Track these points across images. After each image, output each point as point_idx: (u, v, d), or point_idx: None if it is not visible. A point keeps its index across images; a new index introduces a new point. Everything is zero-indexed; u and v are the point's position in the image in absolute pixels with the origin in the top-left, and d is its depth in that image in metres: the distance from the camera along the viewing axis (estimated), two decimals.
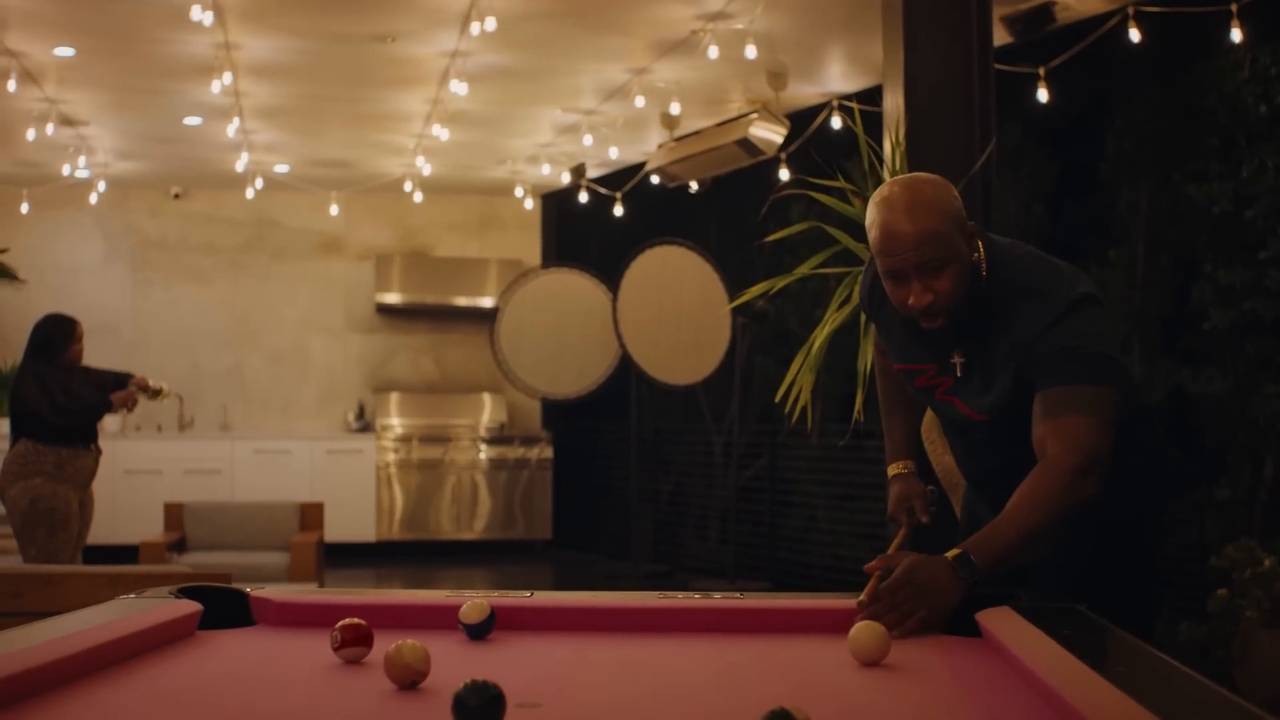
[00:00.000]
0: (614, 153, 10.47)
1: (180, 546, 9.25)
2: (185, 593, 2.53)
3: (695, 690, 2.06)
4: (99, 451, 7.49)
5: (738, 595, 2.62)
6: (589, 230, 12.98)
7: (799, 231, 5.14)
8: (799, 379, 4.66)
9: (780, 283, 4.89)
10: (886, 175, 4.88)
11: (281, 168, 11.69)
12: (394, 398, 13.00)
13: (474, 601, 2.39)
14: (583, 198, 11.25)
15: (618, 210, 11.03)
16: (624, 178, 11.05)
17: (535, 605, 2.50)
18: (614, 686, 2.07)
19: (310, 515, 9.49)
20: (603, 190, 11.14)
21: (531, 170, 11.74)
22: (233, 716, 1.81)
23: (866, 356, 4.47)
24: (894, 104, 5.13)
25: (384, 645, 2.08)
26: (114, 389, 7.47)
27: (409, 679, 1.96)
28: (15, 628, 2.15)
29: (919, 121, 4.92)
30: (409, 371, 13.32)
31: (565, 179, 11.29)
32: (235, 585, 2.65)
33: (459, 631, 2.39)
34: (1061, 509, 2.63)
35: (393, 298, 12.97)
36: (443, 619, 2.43)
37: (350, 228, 13.11)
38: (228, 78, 8.41)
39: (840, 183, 4.79)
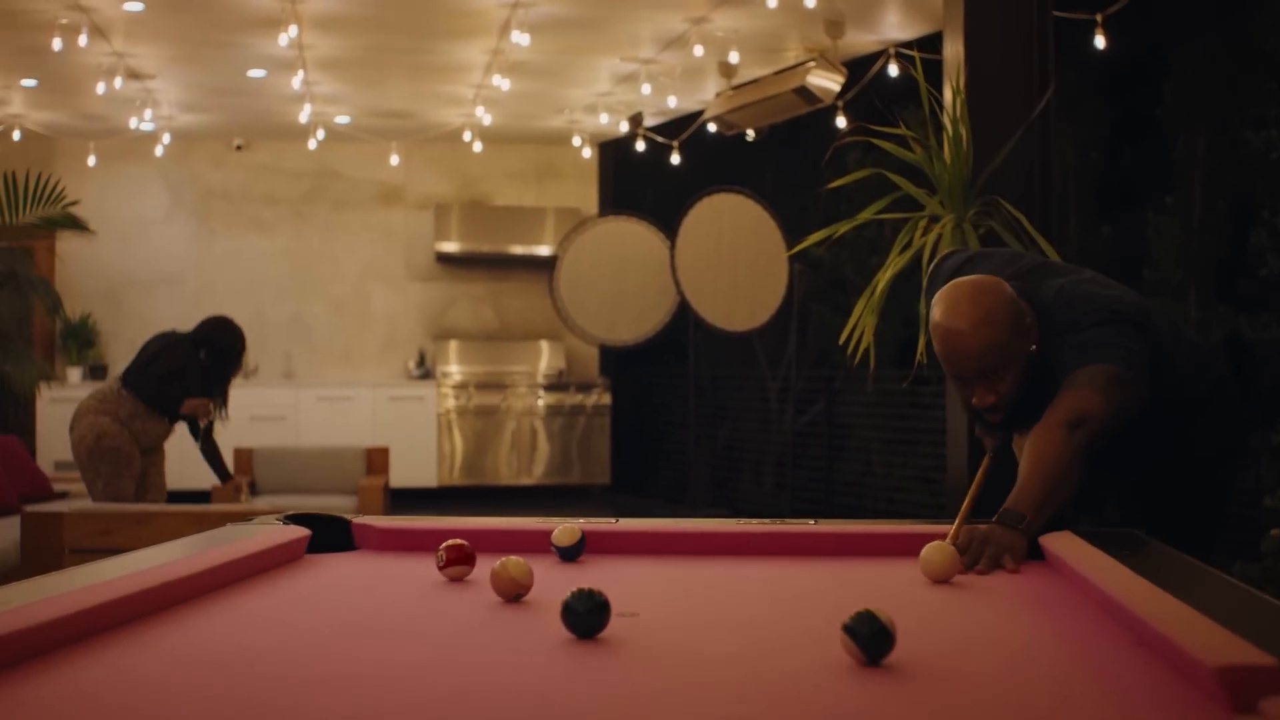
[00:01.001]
0: (672, 101, 10.56)
1: (250, 491, 9.46)
2: (292, 520, 2.69)
3: (778, 602, 2.20)
4: (171, 428, 7.68)
5: (811, 522, 2.76)
6: (646, 179, 13.08)
7: (857, 179, 5.23)
8: (861, 321, 4.78)
9: (842, 228, 5.00)
10: (946, 122, 4.97)
11: (342, 119, 11.84)
12: (454, 345, 13.18)
13: (566, 526, 2.53)
14: (640, 146, 11.34)
15: (675, 159, 11.13)
16: (681, 126, 11.13)
17: (622, 530, 2.65)
18: (701, 601, 2.21)
19: (376, 460, 9.69)
20: (660, 139, 11.24)
21: (589, 120, 11.84)
22: (355, 624, 1.96)
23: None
24: (954, 52, 5.21)
25: (483, 567, 2.24)
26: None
27: (514, 592, 2.11)
28: (148, 547, 2.31)
29: (979, 69, 5.00)
30: (469, 319, 13.49)
31: (623, 128, 11.39)
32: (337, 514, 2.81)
33: (551, 555, 2.54)
34: (1063, 459, 2.77)
35: (451, 247, 13.12)
36: (536, 543, 2.58)
37: (410, 177, 13.27)
38: (293, 31, 8.55)
39: (901, 129, 4.88)
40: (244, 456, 9.65)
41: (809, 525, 2.73)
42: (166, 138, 11.76)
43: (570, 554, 2.52)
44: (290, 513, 2.74)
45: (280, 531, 2.55)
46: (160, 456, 7.67)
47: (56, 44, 8.23)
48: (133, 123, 11.28)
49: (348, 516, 2.76)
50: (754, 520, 2.77)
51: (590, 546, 2.56)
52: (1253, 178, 9.23)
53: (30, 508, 6.88)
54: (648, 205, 12.72)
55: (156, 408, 7.37)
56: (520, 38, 8.52)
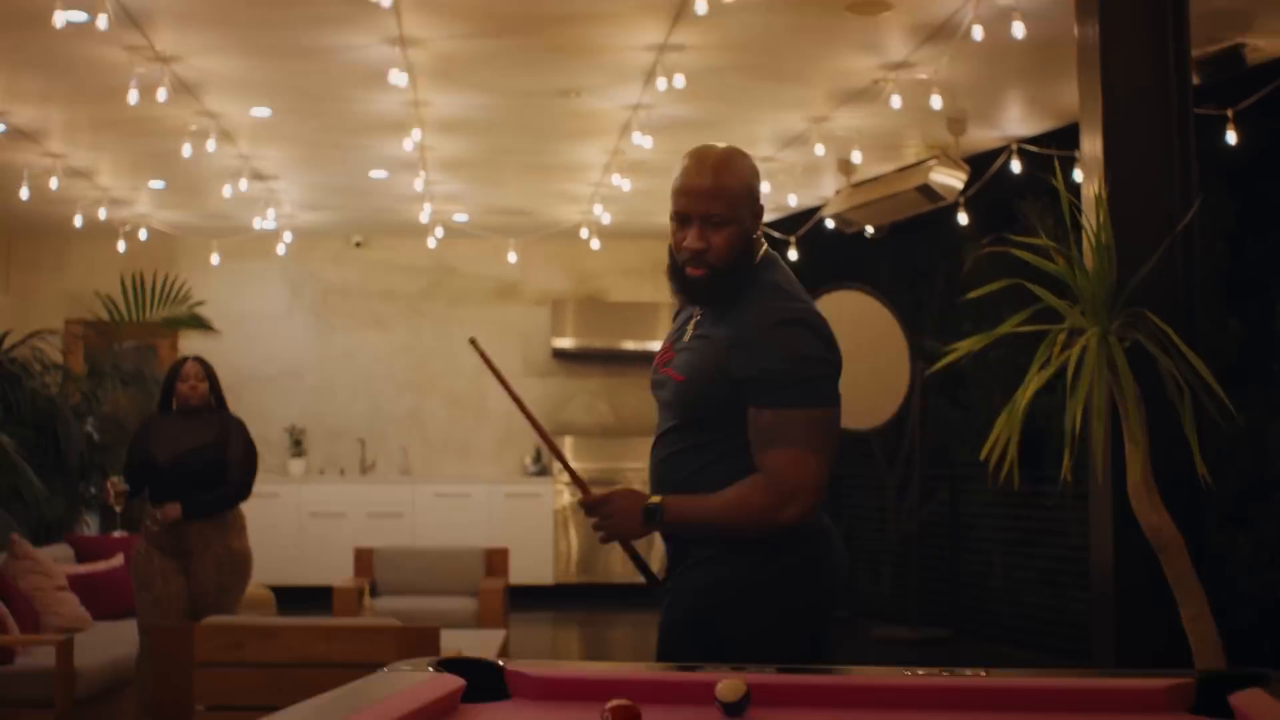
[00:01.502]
0: (792, 200, 10.53)
1: (371, 591, 9.44)
2: (444, 666, 2.63)
3: None
4: (160, 521, 6.49)
5: (982, 673, 2.65)
6: None
7: (993, 290, 5.10)
8: (1003, 436, 4.67)
9: (983, 341, 4.89)
10: (1088, 224, 4.86)
11: (460, 216, 11.94)
12: (569, 441, 13.17)
13: (730, 681, 2.45)
14: None
15: (792, 254, 11.07)
16: (797, 221, 11.09)
17: (789, 683, 2.56)
18: None
19: (495, 561, 9.65)
20: (776, 234, 11.20)
21: None
22: None
23: (1075, 417, 4.46)
24: (1092, 152, 5.10)
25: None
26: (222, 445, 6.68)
27: None
28: (300, 703, 2.26)
29: (1120, 174, 4.89)
30: (584, 415, 13.48)
31: None
32: (485, 658, 2.74)
33: (714, 707, 2.45)
34: (755, 523, 3.06)
35: (567, 342, 13.15)
36: (698, 694, 2.49)
37: (526, 273, 13.34)
38: (417, 134, 8.63)
39: (1042, 240, 4.78)
40: (364, 557, 9.65)
41: (981, 676, 2.62)
42: (288, 236, 11.91)
43: (736, 710, 2.43)
44: (442, 658, 2.68)
45: (436, 682, 2.49)
46: (199, 573, 6.49)
47: (186, 150, 8.37)
48: (256, 222, 11.43)
49: (499, 662, 2.70)
50: (923, 670, 2.66)
51: (755, 698, 2.47)
52: None
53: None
54: None
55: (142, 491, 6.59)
56: (640, 139, 8.54)
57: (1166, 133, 5.04)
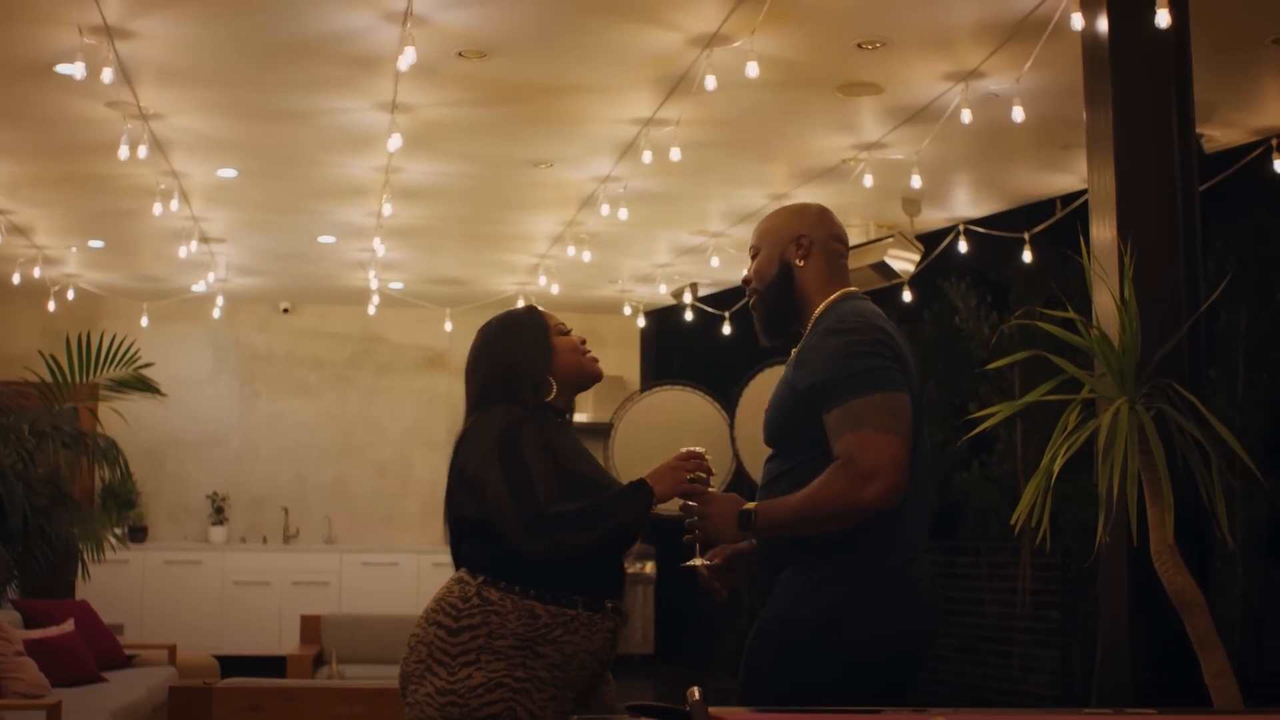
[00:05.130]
0: (743, 273, 10.68)
1: (318, 659, 9.30)
2: (636, 711, 2.65)
3: None
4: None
5: (1153, 713, 2.74)
6: (692, 348, 13.15)
7: (1016, 360, 5.26)
8: (1036, 504, 4.77)
9: (1012, 409, 5.01)
10: (1114, 298, 5.03)
11: (396, 284, 11.92)
12: None
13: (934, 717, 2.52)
14: (688, 316, 11.44)
15: (726, 329, 11.23)
16: (737, 295, 11.25)
17: None
18: None
19: None
20: (709, 309, 11.35)
21: (642, 289, 11.94)
22: None
23: (1112, 483, 4.58)
24: (1105, 235, 5.28)
25: None
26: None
27: None
28: None
29: (1138, 249, 5.06)
30: None
31: (686, 298, 11.48)
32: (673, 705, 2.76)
33: None
34: (838, 508, 3.07)
35: None
36: None
37: (455, 343, 13.32)
38: (387, 199, 8.61)
39: (1070, 313, 4.93)
40: (311, 624, 9.52)
41: (1150, 714, 2.71)
42: (220, 300, 11.78)
43: None
44: (631, 704, 2.70)
45: None
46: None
47: (157, 209, 8.29)
48: (198, 286, 11.25)
49: (684, 707, 2.72)
50: (1092, 709, 2.74)
51: None
52: None
53: (175, 683, 6.73)
54: (695, 375, 12.72)
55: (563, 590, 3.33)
56: (606, 211, 8.61)
57: (1173, 210, 5.25)
